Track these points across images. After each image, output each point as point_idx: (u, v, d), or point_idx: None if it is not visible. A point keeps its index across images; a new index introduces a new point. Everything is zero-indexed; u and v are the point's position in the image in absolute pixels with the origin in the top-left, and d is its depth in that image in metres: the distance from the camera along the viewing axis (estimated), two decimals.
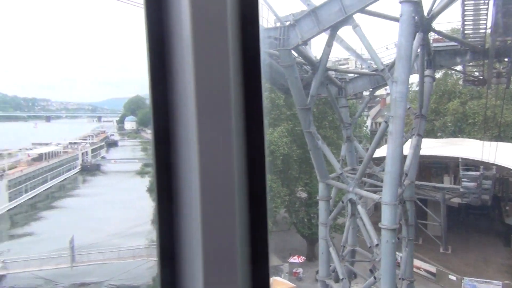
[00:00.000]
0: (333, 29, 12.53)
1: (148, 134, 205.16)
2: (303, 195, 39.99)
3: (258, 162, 1.30)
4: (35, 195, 68.82)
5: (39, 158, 78.86)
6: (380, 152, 22.33)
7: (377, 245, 13.03)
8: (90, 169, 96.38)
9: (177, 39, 1.25)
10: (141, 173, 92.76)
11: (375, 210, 29.39)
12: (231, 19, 1.23)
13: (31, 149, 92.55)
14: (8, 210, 59.24)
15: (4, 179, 59.62)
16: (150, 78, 1.30)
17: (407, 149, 15.40)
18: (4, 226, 54.05)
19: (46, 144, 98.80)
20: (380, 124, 56.73)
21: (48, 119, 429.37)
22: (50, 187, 76.09)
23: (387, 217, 12.02)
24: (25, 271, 34.73)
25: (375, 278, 13.64)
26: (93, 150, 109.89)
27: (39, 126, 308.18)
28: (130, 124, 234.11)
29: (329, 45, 13.06)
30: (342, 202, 15.71)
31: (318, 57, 14.31)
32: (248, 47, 1.28)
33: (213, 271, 1.26)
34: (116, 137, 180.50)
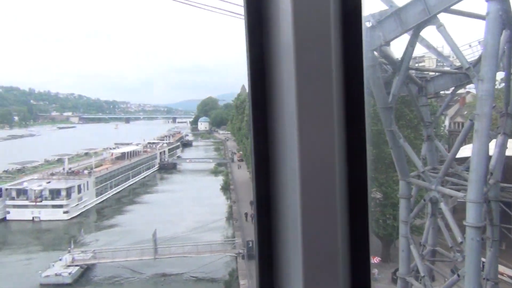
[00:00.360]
0: (416, 29, 12.72)
1: (220, 134, 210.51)
2: (378, 195, 39.55)
3: (359, 161, 1.32)
4: (119, 191, 73.52)
5: (122, 157, 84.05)
6: (461, 152, 21.84)
7: (461, 242, 13.00)
8: (167, 168, 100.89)
9: (277, 37, 1.26)
10: (215, 172, 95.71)
11: (454, 213, 28.57)
12: (334, 17, 1.23)
13: (114, 148, 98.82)
14: (95, 204, 63.87)
15: (92, 176, 64.33)
16: (250, 77, 1.33)
17: (492, 148, 15.13)
18: (92, 218, 58.33)
19: (127, 144, 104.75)
20: (459, 123, 54.52)
21: (127, 120, 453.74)
22: (132, 184, 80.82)
23: (472, 215, 12.00)
24: (113, 261, 37.45)
25: (458, 276, 13.57)
26: (170, 150, 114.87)
27: (119, 127, 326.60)
28: (203, 125, 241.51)
29: (411, 45, 13.24)
30: (424, 200, 15.72)
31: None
32: (350, 44, 1.28)
33: (313, 271, 1.25)
34: (190, 137, 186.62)
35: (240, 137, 58.74)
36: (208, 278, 36.68)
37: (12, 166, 69.34)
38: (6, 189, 55.64)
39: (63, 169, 66.82)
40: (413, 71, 17.66)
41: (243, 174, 79.96)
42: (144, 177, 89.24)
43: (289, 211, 1.27)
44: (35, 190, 54.98)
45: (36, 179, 60.78)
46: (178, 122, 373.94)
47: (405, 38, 13.79)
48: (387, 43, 13.11)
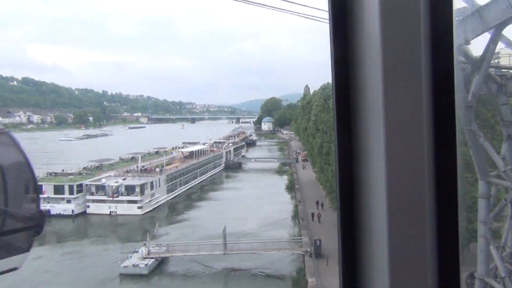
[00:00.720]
0: (499, 26, 12.57)
1: (283, 134, 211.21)
2: None
3: (449, 160, 1.27)
4: (188, 189, 76.29)
5: (190, 155, 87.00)
6: None
7: None
8: (233, 167, 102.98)
9: (362, 35, 1.28)
10: (279, 171, 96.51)
11: None
12: (424, 14, 1.21)
13: (182, 147, 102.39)
14: (167, 201, 66.77)
15: (163, 174, 67.30)
16: (334, 75, 1.34)
17: None
18: (163, 214, 61.08)
19: (195, 144, 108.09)
20: None
21: (193, 120, 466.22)
22: (200, 182, 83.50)
23: None
24: (186, 254, 39.20)
25: None
26: (235, 149, 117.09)
27: (185, 127, 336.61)
28: (267, 125, 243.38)
29: (493, 43, 13.09)
30: (505, 200, 15.38)
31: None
32: (439, 41, 1.25)
33: (401, 272, 1.23)
34: (254, 137, 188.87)
35: (306, 137, 58.95)
36: (276, 275, 37.39)
37: (91, 164, 73.99)
38: (87, 185, 59.65)
39: (137, 167, 70.43)
40: (492, 69, 17.28)
41: (308, 174, 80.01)
42: (211, 175, 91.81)
43: (374, 211, 1.27)
44: (112, 186, 58.48)
45: (113, 176, 64.58)
46: (242, 122, 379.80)
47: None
48: (467, 42, 13.05)
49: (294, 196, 66.89)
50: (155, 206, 62.09)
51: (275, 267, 38.34)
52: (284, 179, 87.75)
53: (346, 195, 1.32)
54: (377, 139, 1.23)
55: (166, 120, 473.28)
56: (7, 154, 5.85)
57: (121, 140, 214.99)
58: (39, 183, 55.45)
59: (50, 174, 63.61)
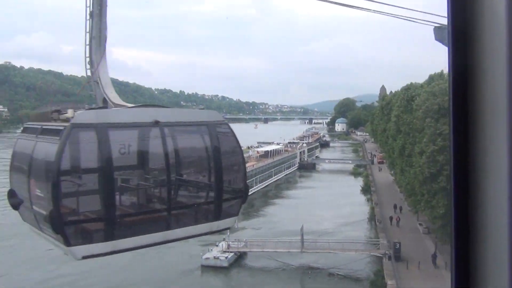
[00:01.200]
0: None
1: (358, 136, 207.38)
2: None
3: None
4: (263, 187, 77.75)
5: (265, 155, 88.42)
6: None
7: None
8: (307, 167, 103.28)
9: (485, 41, 1.26)
10: (354, 173, 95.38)
11: None
12: None
13: (256, 147, 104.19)
14: None
15: None
16: (452, 79, 1.36)
17: None
18: (241, 211, 62.79)
19: (269, 143, 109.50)
20: None
21: (265, 120, 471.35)
22: (275, 180, 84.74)
23: None
24: (263, 250, 40.27)
25: None
26: (309, 150, 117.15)
27: (258, 127, 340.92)
28: (340, 126, 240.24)
29: None
30: None
31: None
32: None
33: None
34: (327, 138, 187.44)
35: (384, 138, 57.92)
36: (353, 275, 37.36)
37: None
38: None
39: None
40: None
41: (384, 176, 78.46)
42: (286, 175, 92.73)
43: (494, 214, 1.25)
44: None
45: None
46: (314, 123, 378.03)
47: None
48: None
49: (370, 198, 66.01)
50: None
51: (351, 267, 38.27)
52: (359, 181, 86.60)
53: (461, 197, 1.34)
54: (498, 144, 1.21)
55: (240, 120, 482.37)
56: (226, 140, 7.43)
57: None
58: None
59: None
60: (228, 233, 42.61)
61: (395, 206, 51.30)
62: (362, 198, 69.50)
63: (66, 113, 7.00)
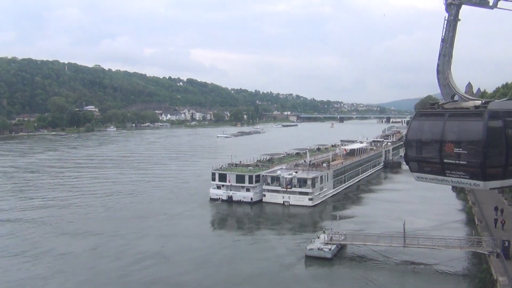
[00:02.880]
0: None
1: None
2: None
3: None
4: (351, 185, 78.61)
5: (351, 153, 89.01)
6: None
7: None
8: (393, 166, 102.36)
9: None
10: None
11: None
12: None
13: (340, 145, 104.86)
14: (333, 195, 70.00)
15: (331, 169, 70.62)
16: None
17: None
18: (331, 207, 64.35)
19: (352, 142, 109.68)
20: None
21: (341, 119, 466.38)
22: (361, 179, 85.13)
23: None
24: (365, 244, 41.51)
25: None
26: (393, 149, 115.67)
27: (335, 126, 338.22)
28: None
29: None
30: None
31: None
32: None
33: None
34: None
35: None
36: (457, 272, 37.57)
37: (263, 157, 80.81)
38: (263, 176, 65.75)
39: (304, 161, 74.96)
40: None
41: None
42: (371, 173, 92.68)
43: None
44: (286, 178, 63.51)
45: (284, 169, 69.91)
46: (392, 122, 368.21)
47: None
48: None
49: (464, 198, 64.61)
50: (323, 199, 65.75)
51: (454, 264, 38.52)
52: None
53: None
54: None
55: (315, 119, 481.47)
56: None
57: (276, 137, 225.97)
58: (224, 172, 63.15)
59: (231, 165, 71.47)
60: (332, 226, 44.52)
61: (496, 208, 50.07)
62: (455, 198, 68.11)
63: (455, 101, 17.01)
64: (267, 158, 79.83)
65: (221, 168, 68.93)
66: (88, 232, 49.48)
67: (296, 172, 66.05)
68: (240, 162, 74.30)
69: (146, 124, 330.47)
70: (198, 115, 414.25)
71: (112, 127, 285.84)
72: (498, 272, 33.24)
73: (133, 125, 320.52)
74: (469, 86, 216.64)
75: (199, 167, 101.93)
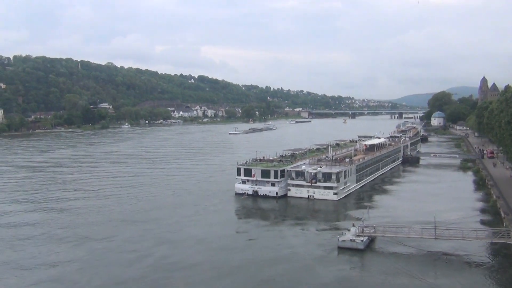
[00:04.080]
0: None
1: (457, 130, 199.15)
2: None
3: None
4: (372, 179, 79.50)
5: (371, 148, 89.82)
6: None
7: None
8: (411, 161, 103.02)
9: None
10: (463, 168, 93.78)
11: None
12: None
13: (357, 141, 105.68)
14: (356, 189, 70.97)
15: (354, 164, 71.56)
16: None
17: None
18: (355, 200, 65.34)
19: (370, 137, 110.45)
20: None
21: (353, 115, 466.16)
22: (382, 173, 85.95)
23: None
24: (396, 236, 42.50)
25: None
26: (411, 144, 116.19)
27: (347, 122, 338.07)
28: (437, 120, 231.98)
29: None
30: None
31: None
32: None
33: None
34: (423, 132, 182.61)
35: (508, 131, 57.31)
36: (490, 263, 38.44)
37: (286, 152, 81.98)
38: (288, 171, 66.91)
39: (326, 156, 75.94)
40: None
41: (500, 172, 76.97)
42: (391, 168, 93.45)
43: None
44: (310, 173, 64.58)
45: (308, 164, 70.98)
46: (405, 118, 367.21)
47: None
48: None
49: (488, 192, 65.27)
50: (347, 194, 66.74)
51: (486, 255, 39.45)
52: (470, 175, 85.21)
53: None
54: None
55: (326, 115, 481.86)
56: None
57: (291, 133, 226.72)
58: (249, 167, 64.43)
59: (255, 160, 72.73)
60: (363, 219, 45.54)
61: None
62: (479, 192, 68.78)
63: None
64: (289, 154, 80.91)
65: (246, 163, 70.17)
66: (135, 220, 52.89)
67: (321, 167, 67.04)
68: (264, 157, 75.51)
69: (159, 121, 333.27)
70: (210, 112, 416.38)
71: (126, 124, 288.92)
72: None
73: (146, 122, 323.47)
74: (484, 80, 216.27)
75: (217, 162, 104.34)
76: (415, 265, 38.41)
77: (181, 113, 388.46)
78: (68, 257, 40.65)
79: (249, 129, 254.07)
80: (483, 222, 50.74)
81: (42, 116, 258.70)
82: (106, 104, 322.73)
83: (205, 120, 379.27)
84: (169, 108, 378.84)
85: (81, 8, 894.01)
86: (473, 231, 41.00)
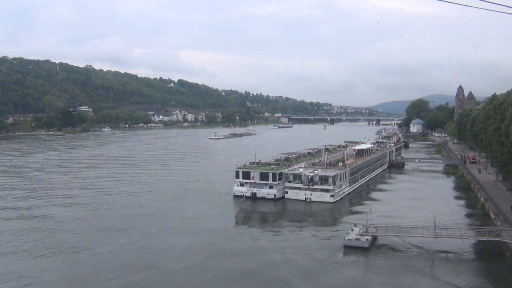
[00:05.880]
0: None
1: (435, 137, 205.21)
2: None
3: None
4: (363, 183, 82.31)
5: (361, 153, 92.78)
6: None
7: None
8: (397, 166, 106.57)
9: None
10: (447, 173, 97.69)
11: None
12: None
13: (345, 146, 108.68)
14: (349, 192, 73.53)
15: (348, 168, 74.15)
16: None
17: None
18: (350, 202, 67.86)
19: (356, 143, 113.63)
20: None
21: (332, 121, 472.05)
22: (371, 177, 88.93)
23: None
24: (398, 235, 44.98)
25: None
26: (396, 150, 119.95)
27: (327, 128, 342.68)
28: (416, 127, 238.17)
29: None
30: None
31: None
32: None
33: None
34: (403, 139, 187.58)
35: (496, 138, 60.67)
36: (486, 259, 41.20)
37: (281, 156, 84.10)
38: (285, 174, 68.95)
39: (320, 160, 78.38)
40: None
41: (484, 177, 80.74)
42: (379, 173, 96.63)
43: None
44: (308, 176, 66.78)
45: (303, 167, 73.21)
46: (383, 124, 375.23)
47: None
48: None
49: (475, 196, 68.66)
50: (342, 196, 69.22)
51: (482, 252, 42.30)
52: (454, 180, 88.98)
53: None
54: None
55: (306, 121, 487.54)
56: None
57: (274, 137, 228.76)
58: (248, 170, 66.12)
59: (253, 163, 74.61)
60: (366, 219, 47.80)
61: None
62: (466, 195, 72.18)
63: None
64: (284, 157, 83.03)
65: (244, 166, 71.92)
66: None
67: (317, 171, 69.30)
68: (260, 161, 77.38)
69: (140, 125, 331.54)
70: (190, 116, 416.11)
71: (107, 127, 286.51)
72: None
73: (126, 125, 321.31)
74: (460, 89, 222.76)
75: (206, 166, 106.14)
76: (417, 262, 40.72)
77: (161, 117, 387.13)
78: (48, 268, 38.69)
79: (230, 134, 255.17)
80: (474, 223, 53.61)
81: (21, 118, 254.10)
82: (86, 107, 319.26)
83: (186, 124, 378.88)
84: (149, 112, 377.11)
85: (58, 10, 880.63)
86: (469, 230, 43.86)
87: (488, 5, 17.43)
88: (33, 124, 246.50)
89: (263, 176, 67.82)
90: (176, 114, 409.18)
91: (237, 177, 69.50)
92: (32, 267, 38.29)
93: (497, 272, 38.52)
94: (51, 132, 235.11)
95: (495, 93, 73.27)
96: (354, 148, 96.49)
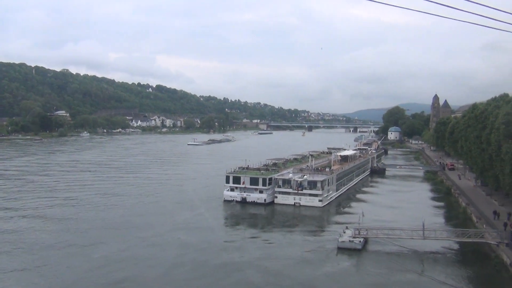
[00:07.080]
0: None
1: (412, 144, 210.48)
2: None
3: None
4: (348, 188, 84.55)
5: (345, 159, 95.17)
6: None
7: None
8: (378, 172, 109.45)
9: None
10: (427, 179, 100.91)
11: None
12: None
13: (328, 152, 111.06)
14: (336, 197, 75.55)
15: (335, 173, 76.21)
16: None
17: None
18: (338, 207, 69.86)
19: (338, 149, 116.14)
20: None
21: (309, 128, 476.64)
22: (356, 183, 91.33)
23: None
24: (388, 237, 46.94)
25: None
26: (377, 156, 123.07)
27: (306, 134, 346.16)
28: (394, 134, 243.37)
29: None
30: None
31: None
32: None
33: None
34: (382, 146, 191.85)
35: (476, 145, 63.69)
36: (472, 260, 43.53)
37: (269, 161, 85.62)
38: (275, 179, 70.48)
39: (307, 166, 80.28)
40: None
41: (463, 183, 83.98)
42: (362, 178, 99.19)
43: None
44: (297, 181, 68.46)
45: (290, 172, 74.91)
46: (360, 132, 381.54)
47: None
48: None
49: (456, 200, 71.58)
50: (330, 201, 71.15)
51: (468, 253, 44.69)
52: (434, 185, 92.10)
53: None
54: None
55: (284, 128, 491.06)
56: None
57: (253, 144, 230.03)
58: (238, 175, 67.37)
59: (242, 168, 75.94)
60: (359, 221, 49.62)
61: (494, 212, 55.46)
62: (447, 200, 75.10)
63: None
64: (272, 163, 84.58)
65: (234, 171, 73.13)
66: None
67: (305, 176, 71.07)
68: (248, 166, 78.74)
69: (118, 130, 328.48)
70: (168, 122, 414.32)
71: (85, 132, 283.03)
72: (510, 258, 39.38)
73: (105, 131, 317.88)
74: (436, 98, 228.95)
75: (189, 172, 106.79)
76: (407, 262, 42.74)
77: (139, 122, 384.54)
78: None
79: (208, 140, 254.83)
80: (459, 226, 56.05)
81: None
82: (63, 111, 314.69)
83: (164, 130, 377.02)
84: (127, 117, 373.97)
85: (31, 12, 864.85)
86: (456, 232, 46.17)
87: (460, 15, 18.81)
88: (9, 128, 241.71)
89: (253, 181, 69.16)
90: (155, 120, 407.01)
91: (227, 181, 70.63)
92: None
93: (483, 271, 40.78)
94: (28, 137, 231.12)
95: (475, 102, 76.61)
96: (338, 154, 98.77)
